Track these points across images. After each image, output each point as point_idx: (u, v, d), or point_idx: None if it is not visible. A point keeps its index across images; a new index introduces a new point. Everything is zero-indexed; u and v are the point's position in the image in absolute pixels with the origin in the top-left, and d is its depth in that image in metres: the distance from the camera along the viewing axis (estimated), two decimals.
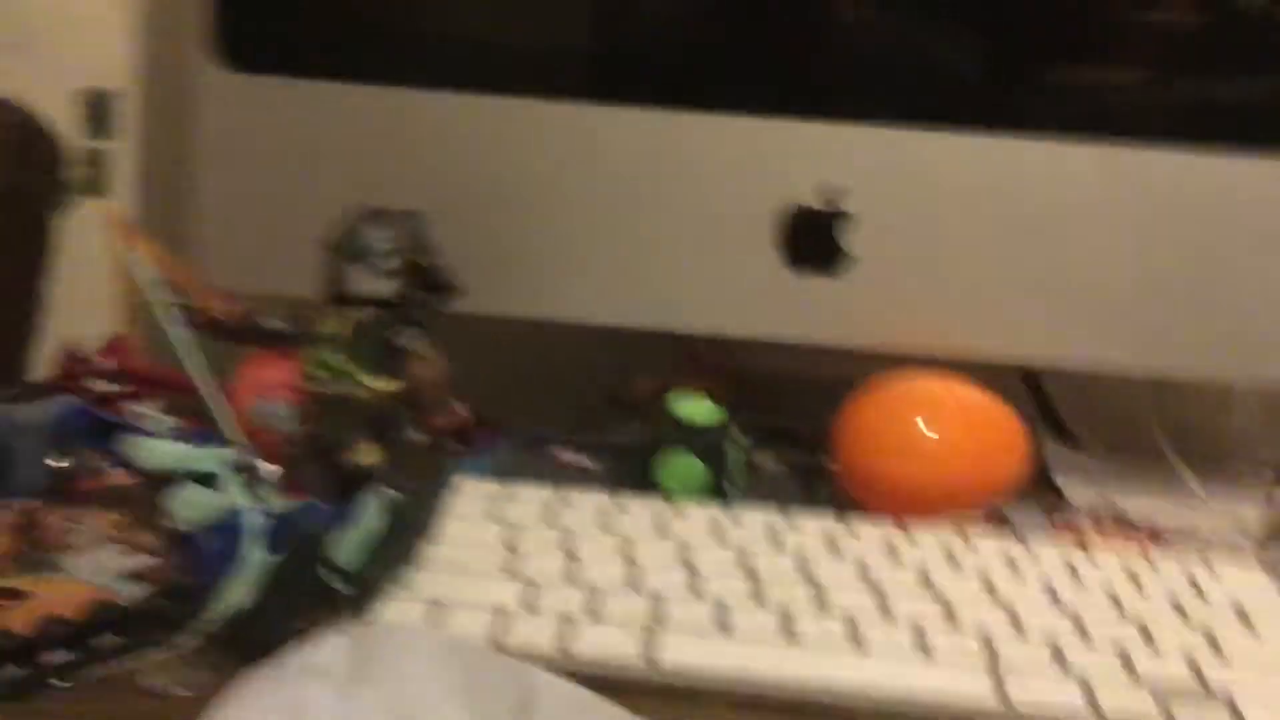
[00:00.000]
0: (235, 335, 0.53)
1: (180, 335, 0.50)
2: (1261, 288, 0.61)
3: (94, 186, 0.82)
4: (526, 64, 0.62)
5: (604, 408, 0.72)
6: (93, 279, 0.83)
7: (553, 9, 0.63)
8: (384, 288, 0.53)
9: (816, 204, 0.62)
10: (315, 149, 0.62)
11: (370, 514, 0.46)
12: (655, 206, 0.62)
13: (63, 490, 0.51)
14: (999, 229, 0.62)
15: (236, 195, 0.62)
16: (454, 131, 0.61)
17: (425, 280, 0.54)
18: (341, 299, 0.53)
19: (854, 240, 0.62)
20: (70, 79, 0.81)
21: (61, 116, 0.80)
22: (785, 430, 0.68)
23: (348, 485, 0.51)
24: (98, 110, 0.81)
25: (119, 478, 0.57)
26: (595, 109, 0.61)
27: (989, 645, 0.45)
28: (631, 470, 0.58)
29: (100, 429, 0.50)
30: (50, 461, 0.54)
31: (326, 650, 0.35)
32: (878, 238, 0.62)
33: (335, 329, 0.52)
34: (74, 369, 0.65)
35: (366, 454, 0.52)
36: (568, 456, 0.64)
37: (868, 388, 0.60)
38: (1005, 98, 0.63)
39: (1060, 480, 0.68)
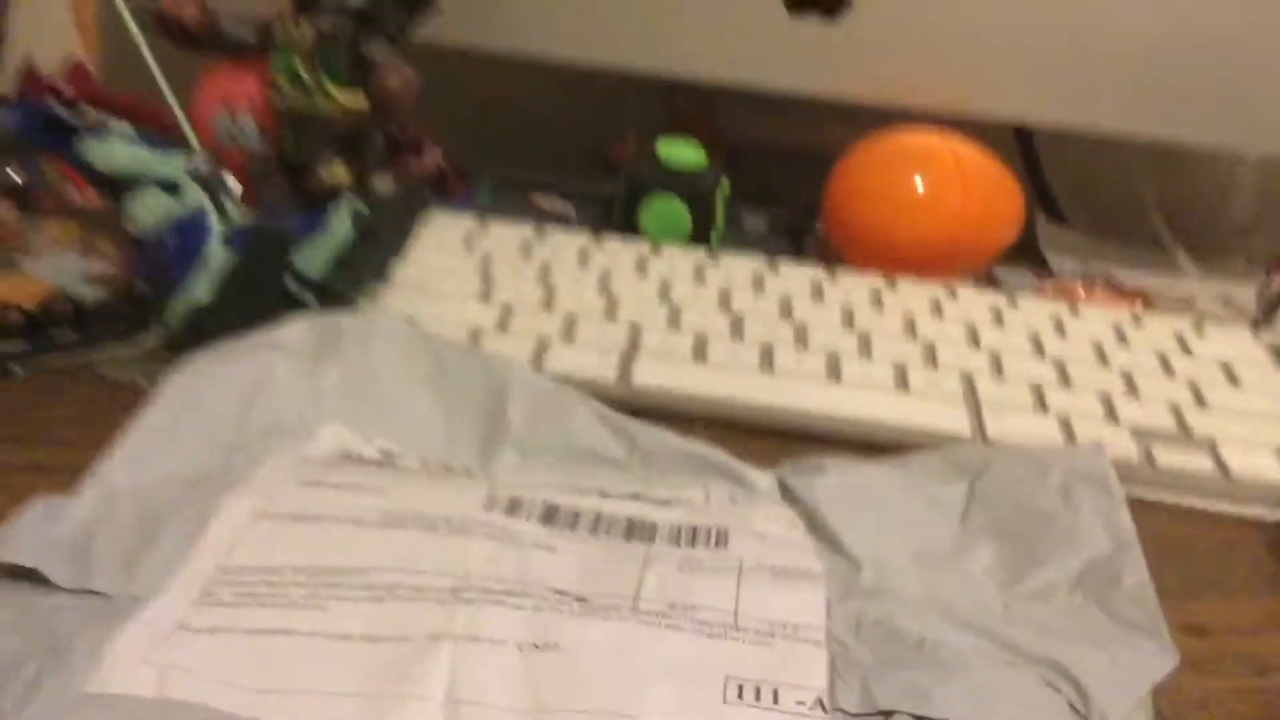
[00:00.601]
0: (200, 43, 0.50)
1: (142, 39, 0.47)
2: (1269, 55, 0.58)
3: None
4: None
5: (585, 164, 0.70)
6: (50, 6, 0.79)
7: None
8: None
9: None
10: None
11: (339, 224, 0.44)
12: None
13: (23, 200, 0.49)
14: None
15: None
16: None
17: None
18: (309, 5, 0.49)
19: None
20: None
21: None
22: (772, 192, 0.66)
23: (313, 203, 0.49)
24: None
25: (78, 188, 0.54)
26: None
27: (969, 383, 0.44)
28: (614, 216, 0.56)
29: (61, 133, 0.47)
30: (10, 171, 0.52)
31: (291, 330, 0.34)
32: None
33: (302, 37, 0.49)
34: (32, 88, 0.61)
35: (334, 171, 0.49)
36: (547, 203, 0.61)
37: (862, 143, 0.57)
38: None
39: (1049, 253, 0.66)
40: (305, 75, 0.48)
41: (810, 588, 0.28)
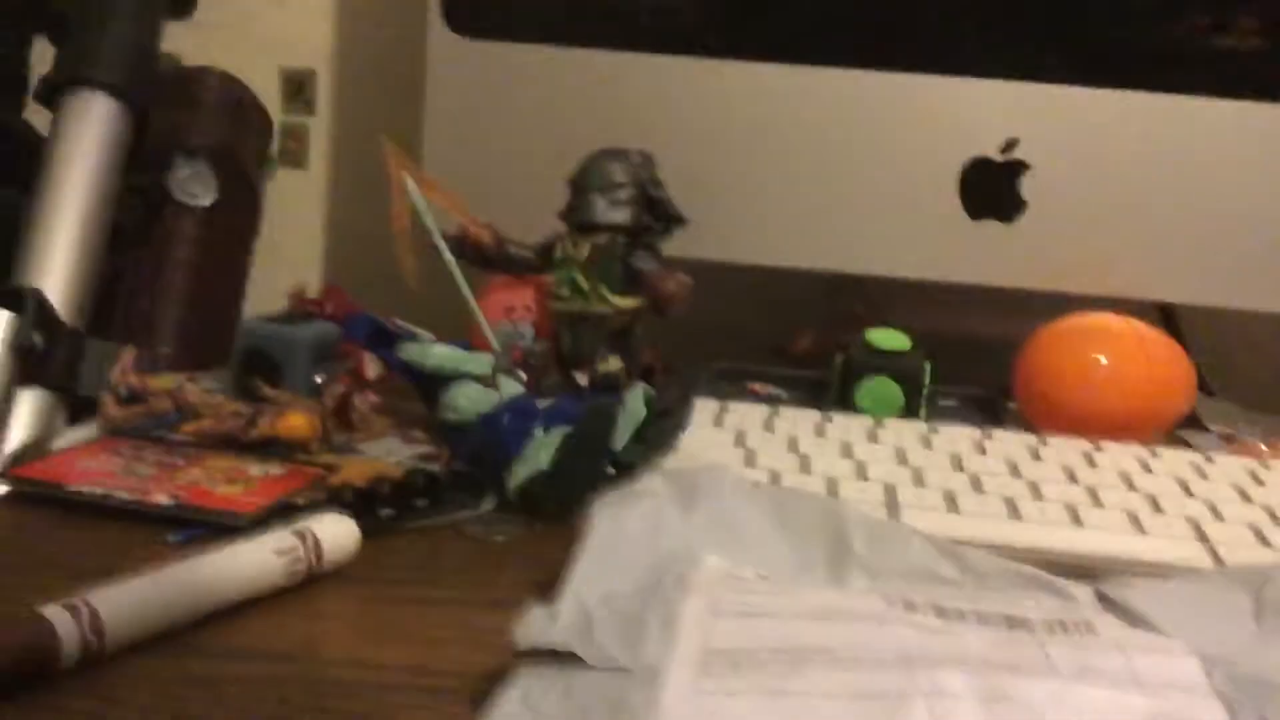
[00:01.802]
0: (489, 261, 0.59)
1: (448, 257, 0.56)
2: None
3: (295, 158, 0.89)
4: (733, 29, 0.68)
5: (767, 357, 0.78)
6: (294, 240, 0.91)
7: None
8: (620, 215, 0.59)
9: (995, 155, 0.67)
10: (537, 107, 0.68)
11: (635, 404, 0.52)
12: (849, 159, 0.67)
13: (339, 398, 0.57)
14: (1155, 178, 0.67)
15: (466, 147, 0.69)
16: (664, 91, 0.67)
17: (656, 210, 0.60)
18: (582, 227, 0.59)
19: (1028, 189, 0.67)
20: (278, 58, 0.88)
21: (269, 92, 0.87)
22: (961, 374, 0.73)
23: (586, 392, 0.57)
24: (300, 88, 0.89)
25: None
26: (794, 69, 0.67)
27: (1196, 525, 0.50)
28: (830, 396, 0.63)
29: (377, 337, 0.56)
30: (316, 378, 0.61)
31: (655, 482, 0.41)
32: (1048, 187, 0.67)
33: (577, 253, 0.58)
34: (303, 308, 0.71)
35: (611, 363, 0.57)
36: (763, 388, 0.69)
37: (1050, 325, 0.65)
38: (1164, 60, 0.68)
39: (1209, 423, 0.72)
40: (584, 284, 0.57)
41: (1183, 655, 0.33)
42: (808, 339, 0.80)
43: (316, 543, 0.39)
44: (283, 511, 0.44)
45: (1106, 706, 0.30)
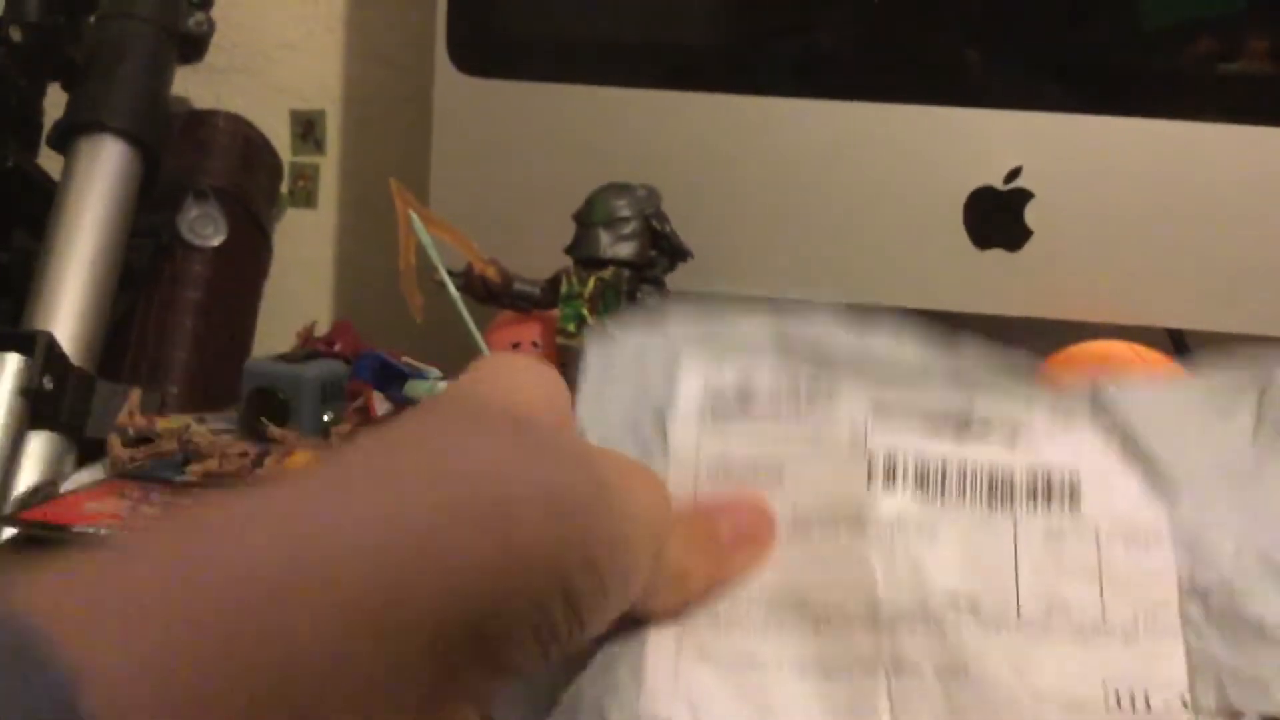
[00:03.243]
0: (496, 298, 0.59)
1: (454, 293, 0.57)
2: None
3: (305, 198, 0.90)
4: (733, 64, 0.69)
5: None
6: (304, 279, 0.91)
7: (755, 15, 0.70)
8: (625, 250, 0.59)
9: (999, 185, 0.67)
10: (544, 144, 0.68)
11: None
12: (854, 191, 0.68)
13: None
14: (1159, 204, 0.67)
15: (473, 185, 0.69)
16: (669, 126, 0.68)
17: (661, 244, 0.60)
18: (587, 262, 0.59)
19: (1032, 218, 0.67)
20: (288, 99, 0.89)
21: (278, 133, 0.88)
22: None
23: None
24: (309, 128, 0.89)
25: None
26: (797, 102, 0.67)
27: None
28: None
29: (385, 376, 0.56)
30: (325, 417, 0.61)
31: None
32: (1053, 215, 0.67)
33: (583, 288, 0.58)
34: (311, 346, 0.72)
35: None
36: None
37: (1057, 354, 0.64)
38: (1168, 85, 0.68)
39: None
40: (589, 318, 0.57)
41: (1160, 556, 0.28)
42: None
43: None
44: None
45: (1061, 679, 0.27)
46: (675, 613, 0.28)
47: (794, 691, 0.27)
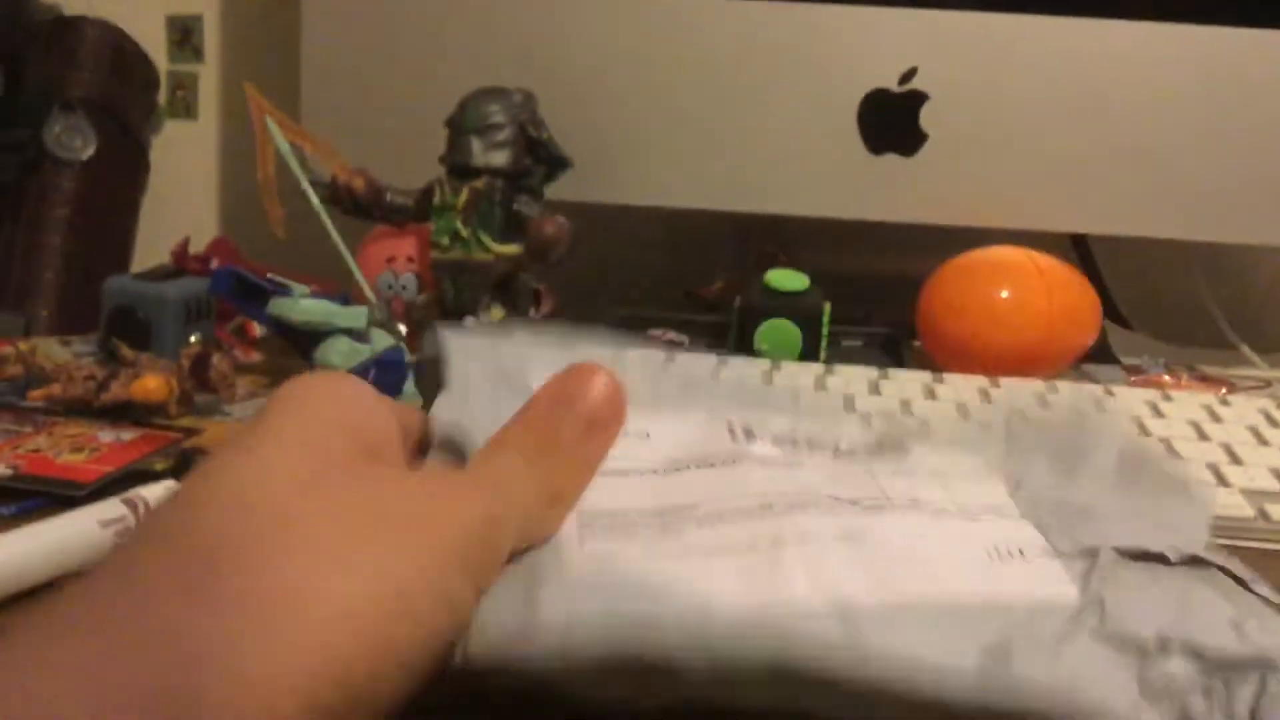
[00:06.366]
0: (366, 210, 0.57)
1: (317, 204, 0.54)
2: None
3: (184, 108, 0.85)
4: None
5: (678, 304, 0.76)
6: (185, 194, 0.87)
7: None
8: (499, 158, 0.56)
9: (894, 87, 0.65)
10: (416, 49, 0.65)
11: None
12: (744, 95, 0.65)
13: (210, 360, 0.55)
14: (1061, 105, 0.65)
15: (345, 92, 0.66)
16: (546, 27, 0.64)
17: (538, 151, 0.57)
18: (461, 171, 0.56)
19: (928, 121, 0.65)
20: (162, 4, 0.84)
21: (154, 40, 0.84)
22: (863, 314, 0.72)
23: None
24: (187, 35, 0.85)
25: (247, 349, 0.60)
26: (684, 0, 0.64)
27: None
28: (729, 340, 0.62)
29: (251, 295, 0.53)
30: (191, 338, 0.58)
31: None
32: (950, 118, 0.65)
33: (456, 199, 0.55)
34: (184, 264, 0.69)
35: (495, 314, 0.55)
36: (663, 336, 0.67)
37: (950, 261, 0.63)
38: None
39: (1121, 355, 0.71)
40: (464, 231, 0.55)
41: (989, 479, 0.37)
42: (720, 282, 0.79)
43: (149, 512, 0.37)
44: (129, 479, 0.42)
45: (948, 540, 0.32)
46: (559, 526, 0.30)
47: (705, 569, 0.30)
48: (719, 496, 0.33)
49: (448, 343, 0.37)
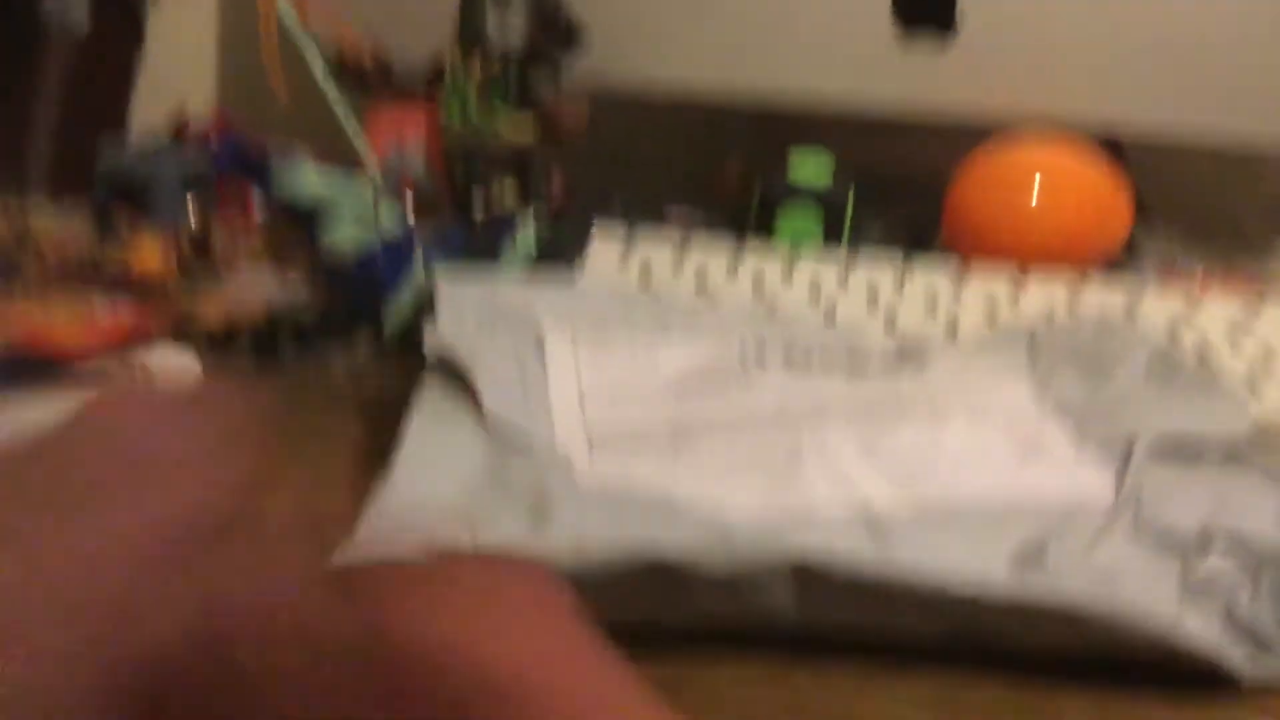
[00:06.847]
0: (373, 84, 0.54)
1: (325, 79, 0.51)
2: None
3: None
4: None
5: (690, 190, 0.73)
6: (184, 68, 0.84)
7: None
8: (513, 30, 0.53)
9: None
10: None
11: (524, 242, 0.48)
12: None
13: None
14: None
15: None
16: None
17: (554, 25, 0.54)
18: (472, 45, 0.53)
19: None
20: None
21: None
22: (890, 207, 0.69)
23: (487, 225, 0.52)
24: None
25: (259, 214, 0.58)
26: None
27: None
28: (750, 224, 0.59)
29: (253, 167, 0.51)
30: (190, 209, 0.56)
31: None
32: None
33: (469, 75, 0.53)
34: (183, 136, 0.66)
35: (506, 193, 0.53)
36: (680, 215, 0.65)
37: (981, 155, 0.60)
38: None
39: (1147, 251, 0.69)
40: (475, 109, 0.52)
41: (1015, 382, 0.38)
42: (732, 170, 0.76)
43: (148, 380, 0.35)
44: (123, 349, 0.40)
45: (979, 442, 0.33)
46: None
47: (721, 480, 0.30)
48: (733, 409, 0.33)
49: (441, 290, 0.39)
